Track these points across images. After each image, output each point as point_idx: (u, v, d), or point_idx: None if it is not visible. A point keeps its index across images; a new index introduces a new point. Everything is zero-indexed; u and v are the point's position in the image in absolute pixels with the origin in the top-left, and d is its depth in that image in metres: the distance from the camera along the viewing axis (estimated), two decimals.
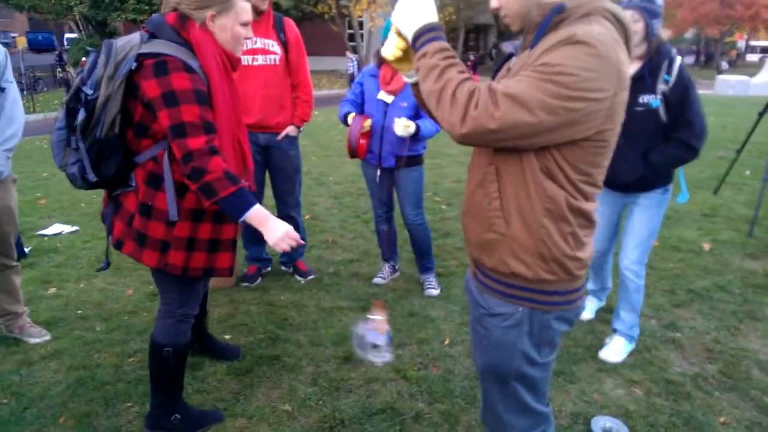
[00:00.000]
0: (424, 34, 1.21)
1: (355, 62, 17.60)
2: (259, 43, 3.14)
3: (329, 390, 2.44)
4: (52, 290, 3.44)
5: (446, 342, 2.83)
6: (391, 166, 3.17)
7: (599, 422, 2.20)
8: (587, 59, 1.09)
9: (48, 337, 2.84)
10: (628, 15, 2.25)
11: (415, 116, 3.06)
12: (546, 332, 1.33)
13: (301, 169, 3.49)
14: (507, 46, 1.41)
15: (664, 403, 2.37)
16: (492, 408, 1.46)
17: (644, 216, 2.65)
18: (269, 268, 3.70)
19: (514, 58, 1.34)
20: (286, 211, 3.48)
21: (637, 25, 2.39)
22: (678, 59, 2.47)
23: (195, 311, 2.10)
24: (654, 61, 2.44)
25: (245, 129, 2.01)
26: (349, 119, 3.09)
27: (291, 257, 3.60)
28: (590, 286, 3.16)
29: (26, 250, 4.02)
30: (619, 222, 2.85)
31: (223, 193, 1.68)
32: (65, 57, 24.16)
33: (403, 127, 2.92)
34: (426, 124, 2.99)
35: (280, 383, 2.49)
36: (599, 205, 2.60)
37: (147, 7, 18.90)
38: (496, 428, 1.49)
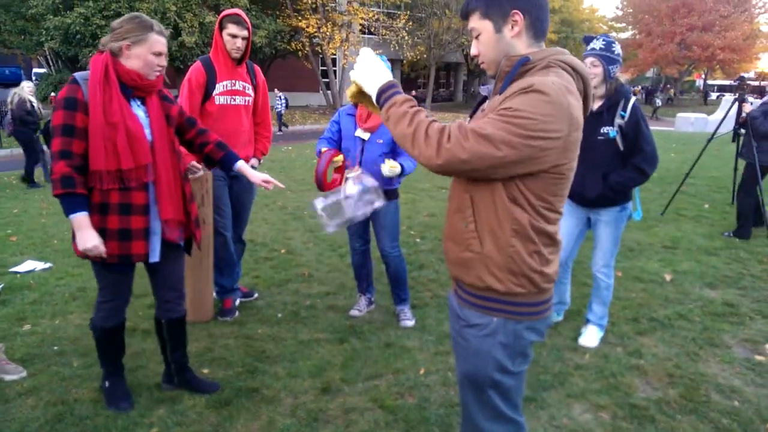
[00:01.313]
0: (387, 89, 1.45)
1: (283, 100, 19.01)
2: (238, 85, 3.42)
3: (308, 421, 2.49)
4: (27, 327, 3.42)
5: (421, 372, 2.92)
6: None
7: None
8: (542, 105, 1.29)
9: (24, 374, 2.83)
10: (588, 62, 2.56)
11: (391, 152, 3.22)
12: (518, 342, 1.49)
13: (255, 196, 3.79)
14: (483, 90, 1.61)
15: (630, 426, 2.49)
16: (471, 417, 1.59)
17: (607, 230, 3.15)
18: (238, 300, 3.76)
19: (487, 101, 1.53)
20: (239, 234, 3.78)
21: (596, 70, 2.91)
22: (633, 98, 2.97)
23: (121, 300, 2.48)
24: (612, 99, 2.95)
25: (134, 128, 2.26)
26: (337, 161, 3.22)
27: (224, 288, 3.70)
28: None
29: None
30: (581, 236, 3.30)
31: (55, 192, 2.16)
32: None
33: (390, 168, 3.08)
34: (407, 162, 3.16)
35: (259, 415, 2.53)
36: (566, 218, 3.03)
37: None
38: None
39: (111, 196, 2.23)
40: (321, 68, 26.37)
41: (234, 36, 3.28)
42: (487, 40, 1.45)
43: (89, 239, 2.17)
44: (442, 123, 1.36)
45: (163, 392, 2.68)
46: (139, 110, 2.32)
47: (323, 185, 3.21)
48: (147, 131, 2.31)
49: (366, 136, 3.24)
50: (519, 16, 1.41)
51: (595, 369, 2.96)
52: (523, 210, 1.39)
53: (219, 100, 3.35)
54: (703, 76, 47.61)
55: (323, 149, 3.24)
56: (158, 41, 2.26)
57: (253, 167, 3.44)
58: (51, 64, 29.75)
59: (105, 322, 2.47)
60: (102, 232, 2.23)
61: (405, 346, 3.19)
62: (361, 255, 3.55)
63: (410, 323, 3.45)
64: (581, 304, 3.79)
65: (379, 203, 2.06)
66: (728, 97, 21.46)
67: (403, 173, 3.17)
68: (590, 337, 3.27)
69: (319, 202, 2.17)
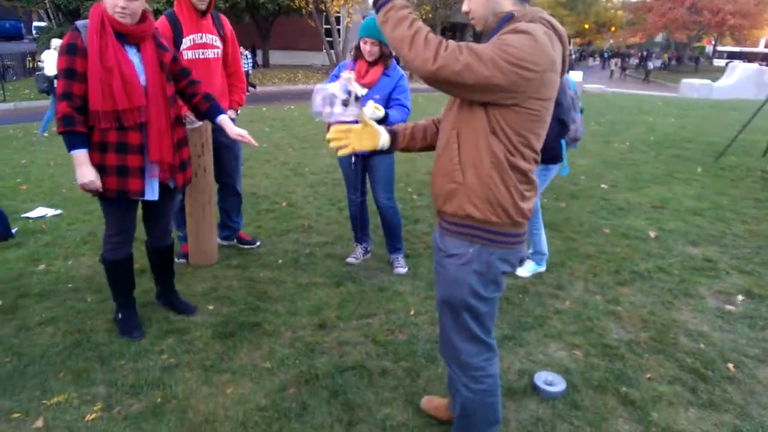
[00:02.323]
0: None
1: (250, 59, 17.46)
2: (206, 38, 3.43)
3: (305, 351, 2.72)
4: (42, 266, 3.63)
5: (412, 312, 3.13)
6: (364, 153, 3.45)
7: (541, 376, 2.52)
8: (527, 41, 1.47)
9: None
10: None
11: (385, 107, 3.34)
12: (491, 271, 1.68)
13: (241, 149, 3.87)
14: None
15: (600, 362, 2.71)
16: (448, 338, 1.80)
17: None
18: (234, 241, 4.03)
19: None
20: (234, 187, 3.87)
21: None
22: None
23: (126, 234, 2.69)
24: None
25: (128, 73, 2.43)
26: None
27: (232, 230, 4.00)
28: (528, 249, 3.67)
29: (13, 230, 4.20)
30: None
31: (58, 130, 2.40)
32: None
33: (373, 108, 3.13)
34: (394, 113, 3.25)
35: (260, 346, 2.76)
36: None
37: None
38: (451, 355, 1.83)
39: (109, 135, 2.44)
40: (325, 27, 26.00)
41: None
42: None
43: (86, 174, 2.39)
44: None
45: (172, 324, 2.91)
46: (134, 56, 2.49)
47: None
48: (141, 77, 2.49)
49: (363, 91, 3.36)
50: None
51: (573, 314, 3.18)
52: (501, 142, 1.56)
53: (187, 54, 3.35)
54: (713, 42, 46.81)
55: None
56: None
57: (231, 119, 3.59)
58: (51, 17, 29.33)
59: (113, 255, 2.70)
60: (102, 168, 2.46)
61: (397, 291, 3.40)
62: (358, 206, 3.73)
63: (403, 270, 3.66)
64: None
65: (352, 117, 1.91)
66: (735, 64, 21.27)
67: (387, 120, 3.19)
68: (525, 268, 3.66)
69: (319, 87, 2.05)
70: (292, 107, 13.56)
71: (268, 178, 6.17)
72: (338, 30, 26.23)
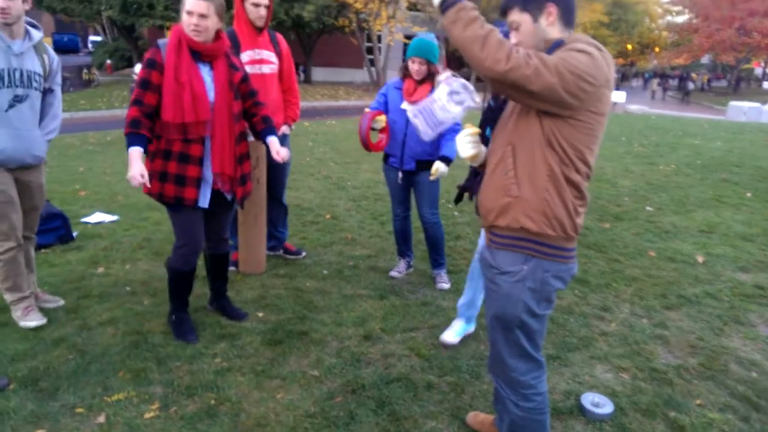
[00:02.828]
0: None
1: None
2: (264, 54, 3.59)
3: (351, 361, 2.78)
4: (101, 269, 3.81)
5: None
6: (411, 169, 3.52)
7: (588, 397, 2.51)
8: (585, 58, 1.55)
9: (62, 302, 3.25)
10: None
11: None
12: (545, 288, 1.71)
13: (290, 164, 4.00)
14: None
15: (648, 386, 2.68)
16: (498, 354, 1.83)
17: None
18: (280, 251, 4.15)
19: None
20: (280, 198, 4.00)
21: None
22: None
23: (192, 245, 2.79)
24: None
25: (198, 89, 2.61)
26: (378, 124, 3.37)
27: (279, 240, 4.11)
28: (461, 299, 3.05)
29: (74, 234, 4.42)
30: None
31: (125, 131, 2.56)
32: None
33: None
34: (450, 146, 3.31)
35: (308, 354, 2.83)
36: None
37: (174, 14, 19.53)
38: (501, 373, 1.86)
39: (174, 145, 2.63)
40: (366, 44, 26.42)
41: (257, 5, 3.44)
42: (527, 30, 1.67)
43: (133, 169, 2.49)
44: None
45: (224, 329, 3.02)
46: (206, 74, 2.67)
47: (368, 145, 3.40)
48: (211, 93, 2.66)
49: (412, 109, 3.44)
50: (553, 8, 1.65)
51: (620, 336, 3.15)
52: (556, 155, 1.61)
53: (246, 69, 3.54)
54: (763, 64, 45.47)
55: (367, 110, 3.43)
56: (189, 1, 2.56)
57: (284, 134, 3.79)
58: (107, 32, 30.62)
59: (179, 266, 2.84)
60: (163, 175, 2.65)
61: (440, 306, 3.44)
62: (402, 221, 3.79)
63: (446, 286, 3.69)
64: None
65: (470, 103, 2.11)
66: None
67: (450, 162, 3.31)
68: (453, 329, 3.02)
69: (411, 109, 2.19)
70: (334, 122, 13.79)
71: (312, 191, 6.30)
72: (379, 48, 26.60)
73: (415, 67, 3.33)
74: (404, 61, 3.46)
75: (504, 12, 1.71)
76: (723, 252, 4.65)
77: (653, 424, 2.40)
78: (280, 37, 3.76)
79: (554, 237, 1.67)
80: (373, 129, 3.39)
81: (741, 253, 4.63)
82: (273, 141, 2.94)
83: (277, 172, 3.88)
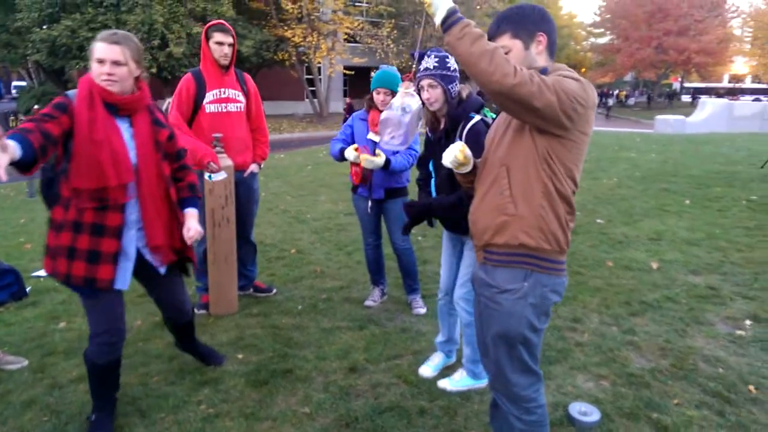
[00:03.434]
0: (456, 12, 1.61)
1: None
2: (229, 93, 3.62)
3: (340, 395, 2.76)
4: (63, 324, 3.64)
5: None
6: (380, 197, 3.58)
7: (575, 407, 2.59)
8: (575, 83, 1.66)
9: (25, 362, 3.06)
10: (424, 84, 2.51)
11: (398, 152, 3.50)
12: (544, 302, 1.79)
13: (258, 202, 4.01)
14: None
15: (628, 391, 2.79)
16: (501, 371, 1.87)
17: (470, 259, 2.66)
18: (250, 290, 4.10)
19: None
20: (248, 236, 3.97)
21: (434, 92, 2.48)
22: (472, 120, 2.49)
23: (111, 333, 2.34)
24: (453, 122, 2.53)
25: (118, 147, 2.20)
26: (348, 154, 3.37)
27: (248, 279, 4.07)
28: (438, 338, 3.04)
29: (27, 290, 4.19)
30: (457, 264, 2.82)
31: (7, 133, 1.93)
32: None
33: (371, 159, 3.28)
34: (398, 158, 3.41)
35: (295, 391, 2.79)
36: (445, 242, 2.84)
37: None
38: (503, 389, 1.90)
39: (85, 215, 2.19)
40: (307, 77, 26.63)
41: (220, 43, 3.47)
42: (517, 55, 1.77)
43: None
44: None
45: (205, 374, 2.93)
46: (125, 130, 2.27)
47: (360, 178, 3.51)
48: (132, 153, 2.26)
49: (378, 138, 3.52)
50: (543, 37, 1.77)
51: (594, 345, 3.27)
52: (550, 172, 1.71)
53: (209, 108, 3.52)
54: (680, 79, 48.79)
55: (350, 147, 3.41)
56: (98, 48, 2.17)
57: (253, 172, 3.81)
58: (33, 77, 29.52)
59: (97, 357, 2.38)
60: (72, 251, 2.20)
61: (420, 331, 3.47)
62: (374, 249, 3.83)
63: (423, 311, 3.73)
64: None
65: (418, 103, 2.13)
66: (705, 100, 22.17)
67: (389, 167, 3.36)
68: (454, 379, 2.85)
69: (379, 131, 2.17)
70: (282, 156, 13.75)
71: (273, 226, 6.25)
72: (320, 79, 26.87)
73: (380, 98, 3.42)
74: (369, 93, 3.54)
75: (492, 37, 1.80)
76: (674, 257, 4.92)
77: (639, 427, 2.49)
78: (247, 76, 3.79)
79: (550, 251, 1.76)
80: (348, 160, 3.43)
81: (690, 258, 4.91)
82: (191, 214, 2.50)
83: (244, 210, 3.85)
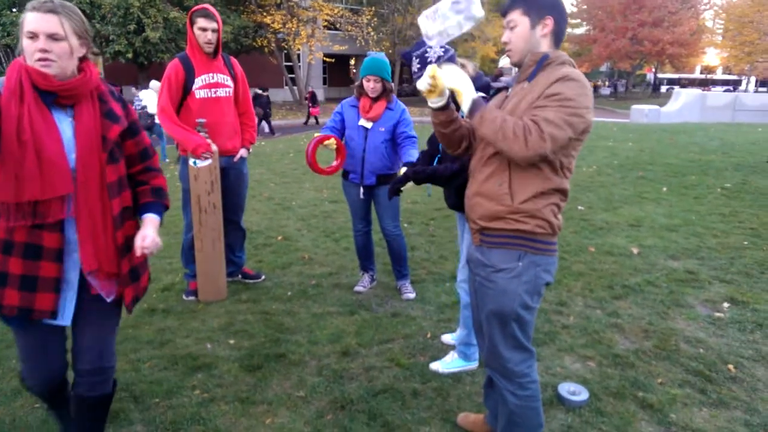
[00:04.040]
0: (480, 100, 1.76)
1: (141, 100, 13.80)
2: (218, 77, 3.58)
3: (334, 378, 2.78)
4: None
5: (428, 335, 3.24)
6: (371, 184, 3.59)
7: (565, 387, 2.66)
8: (578, 88, 1.69)
9: None
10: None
11: (391, 139, 3.52)
12: (537, 282, 1.85)
13: (247, 186, 3.99)
14: (495, 84, 1.94)
15: (614, 371, 2.87)
16: (494, 347, 1.94)
17: (470, 240, 2.59)
18: (239, 276, 4.09)
19: (510, 89, 1.92)
20: (238, 222, 3.96)
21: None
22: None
23: (43, 373, 1.91)
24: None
25: (49, 148, 1.69)
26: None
27: (237, 265, 4.05)
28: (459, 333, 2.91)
29: None
30: None
31: None
32: None
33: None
34: (410, 150, 3.44)
35: (289, 376, 2.81)
36: (460, 225, 2.88)
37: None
38: (498, 365, 1.96)
39: (16, 234, 1.71)
40: (286, 64, 26.36)
41: (204, 29, 3.41)
42: (522, 32, 1.80)
43: None
44: (521, 120, 1.68)
45: (197, 360, 2.93)
46: (66, 125, 1.75)
47: (313, 166, 3.46)
48: (71, 155, 1.73)
49: (369, 125, 3.53)
50: (551, 21, 1.79)
51: (579, 328, 3.35)
52: (552, 169, 1.77)
53: (199, 93, 3.49)
54: (654, 69, 49.54)
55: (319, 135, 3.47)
56: (30, 18, 1.65)
57: (242, 157, 3.79)
58: (2, 61, 28.70)
59: (30, 384, 1.94)
60: (2, 277, 1.73)
61: (410, 315, 3.51)
62: (363, 236, 3.85)
63: (412, 296, 3.77)
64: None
65: (469, 13, 1.82)
66: (679, 90, 22.57)
67: (401, 160, 3.43)
68: (446, 360, 2.89)
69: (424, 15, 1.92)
70: (263, 143, 13.64)
71: (258, 213, 6.22)
72: (299, 67, 26.63)
73: (371, 85, 3.42)
74: (359, 80, 3.53)
75: (507, 9, 1.84)
76: (653, 243, 5.05)
77: (625, 405, 2.58)
78: (234, 61, 3.74)
79: (543, 234, 1.82)
80: (327, 148, 3.45)
81: (668, 243, 5.04)
82: (150, 220, 1.92)
83: (235, 195, 3.83)
